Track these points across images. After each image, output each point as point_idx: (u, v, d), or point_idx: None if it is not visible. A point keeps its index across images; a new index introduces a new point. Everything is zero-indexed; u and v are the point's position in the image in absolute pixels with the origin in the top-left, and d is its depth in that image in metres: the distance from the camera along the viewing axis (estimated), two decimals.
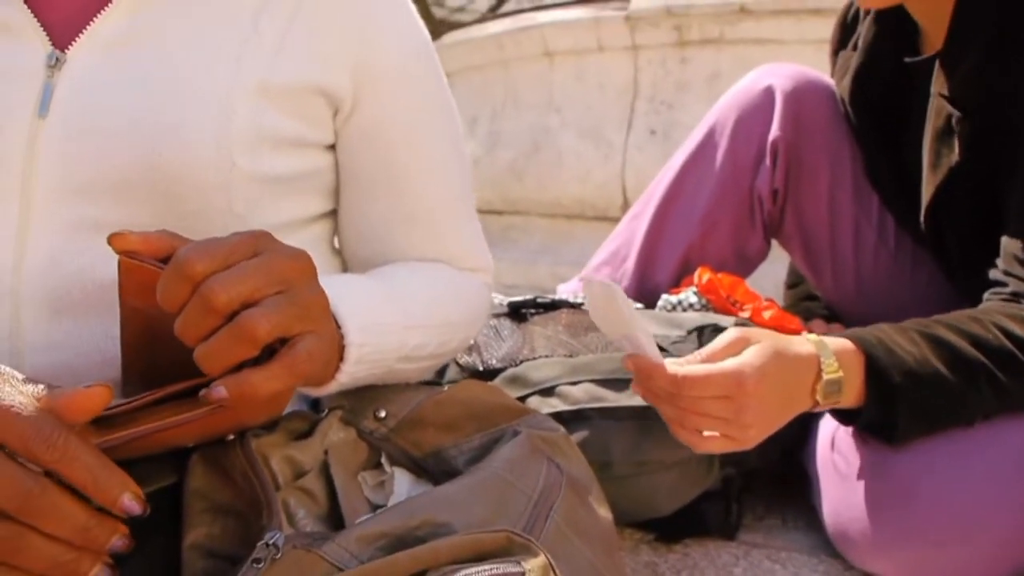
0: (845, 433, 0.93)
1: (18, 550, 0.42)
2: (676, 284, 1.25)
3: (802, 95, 1.22)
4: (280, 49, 0.68)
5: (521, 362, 0.91)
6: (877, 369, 0.80)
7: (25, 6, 0.65)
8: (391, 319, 0.62)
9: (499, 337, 0.98)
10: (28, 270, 0.61)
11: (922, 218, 1.08)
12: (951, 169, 1.00)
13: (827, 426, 0.97)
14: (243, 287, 0.47)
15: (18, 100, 0.63)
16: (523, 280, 2.29)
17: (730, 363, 0.73)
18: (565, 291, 1.29)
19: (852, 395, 0.80)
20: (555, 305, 1.04)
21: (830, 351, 0.78)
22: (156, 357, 0.52)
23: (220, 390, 0.46)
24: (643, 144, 2.22)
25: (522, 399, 0.87)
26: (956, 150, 0.99)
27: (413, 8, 0.78)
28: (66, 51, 0.64)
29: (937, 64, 1.04)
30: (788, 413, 0.78)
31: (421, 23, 0.78)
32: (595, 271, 1.33)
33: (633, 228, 1.31)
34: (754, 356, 0.74)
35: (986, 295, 0.94)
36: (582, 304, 1.06)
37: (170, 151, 0.62)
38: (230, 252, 0.48)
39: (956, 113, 0.98)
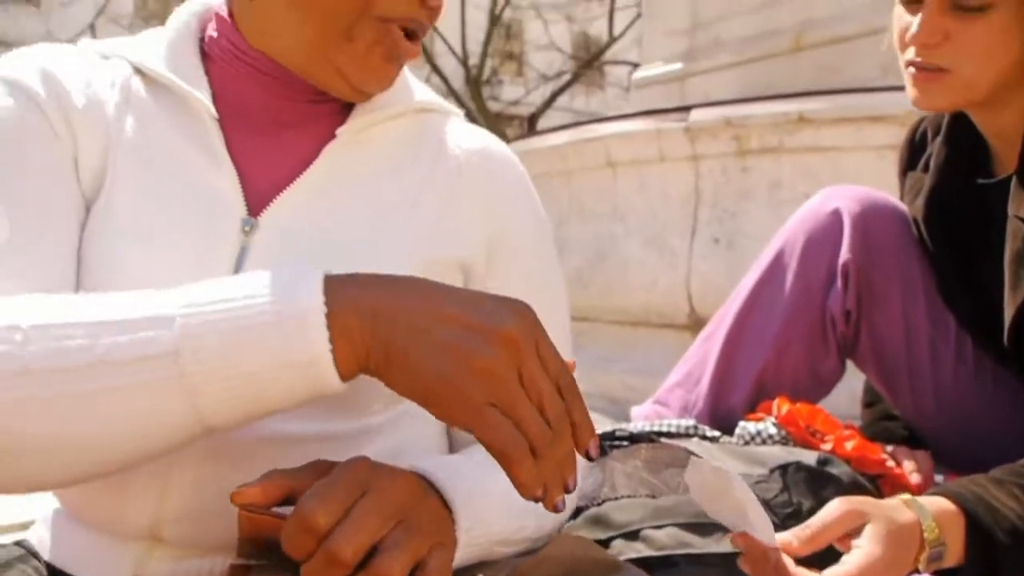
0: None
1: None
2: (751, 407, 1.24)
3: (870, 217, 1.23)
4: (437, 227, 0.74)
5: (603, 502, 0.91)
6: (979, 529, 0.78)
7: (233, 169, 0.71)
8: (495, 506, 0.64)
9: None
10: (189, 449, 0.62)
11: (1005, 339, 1.07)
12: None
13: None
14: (365, 536, 0.50)
15: (217, 262, 0.68)
16: (592, 388, 2.30)
17: (854, 562, 0.73)
18: (639, 416, 1.30)
19: (954, 557, 0.79)
20: (634, 438, 1.05)
21: (929, 514, 0.77)
22: None
23: None
24: (707, 252, 2.24)
25: (606, 542, 0.87)
26: None
27: (535, 192, 0.85)
28: (259, 217, 0.70)
29: (1013, 185, 1.05)
30: None
31: (541, 206, 0.85)
32: (668, 393, 1.33)
33: (706, 350, 1.31)
34: (872, 547, 0.74)
35: None
36: (660, 434, 1.06)
37: None
38: (346, 496, 0.51)
39: None
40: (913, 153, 1.27)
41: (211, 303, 0.54)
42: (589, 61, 15.22)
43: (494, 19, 13.35)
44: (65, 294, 0.60)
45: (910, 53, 1.05)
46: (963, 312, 1.21)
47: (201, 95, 0.71)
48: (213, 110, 0.71)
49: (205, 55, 0.75)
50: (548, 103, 14.07)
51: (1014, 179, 1.05)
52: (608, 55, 15.34)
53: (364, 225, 0.72)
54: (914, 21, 1.03)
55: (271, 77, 0.74)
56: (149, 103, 0.71)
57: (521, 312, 0.55)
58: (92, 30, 12.01)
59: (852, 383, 1.43)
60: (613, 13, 13.78)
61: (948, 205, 1.17)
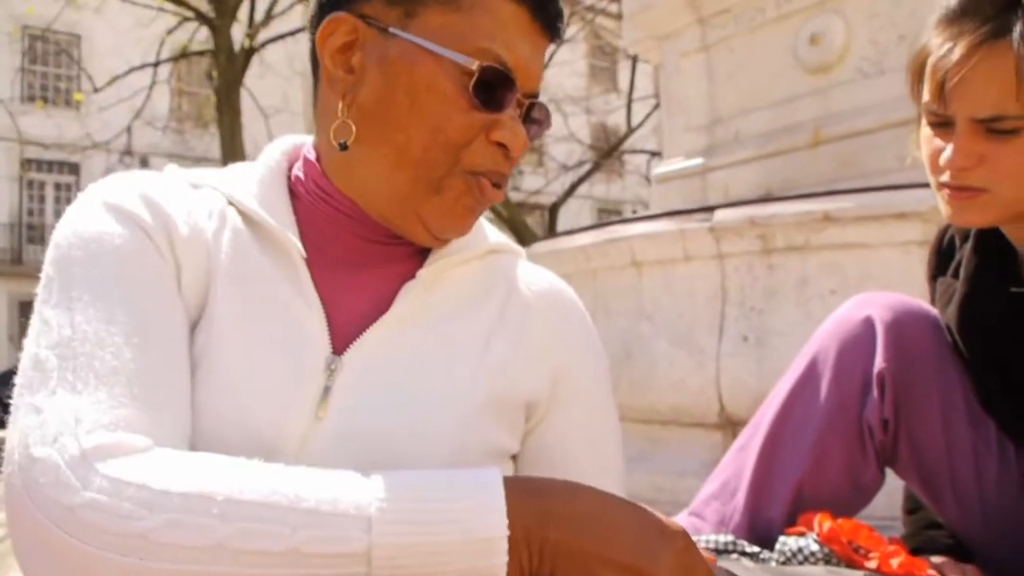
0: None
1: None
2: (791, 519, 1.21)
3: (903, 325, 1.23)
4: (505, 367, 0.77)
5: None
6: None
7: (321, 306, 0.73)
8: None
9: None
10: None
11: None
12: None
13: None
14: None
15: (299, 399, 0.70)
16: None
17: None
18: None
19: None
20: None
21: None
22: None
23: None
24: (736, 350, 2.23)
25: None
26: None
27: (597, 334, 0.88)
28: (342, 355, 0.72)
29: None
30: None
31: (602, 348, 0.89)
32: (704, 505, 1.31)
33: (741, 460, 1.29)
34: None
35: None
36: None
37: (414, 460, 0.68)
38: None
39: None
40: (941, 259, 1.27)
41: (404, 510, 0.58)
42: (608, 151, 15.49)
43: None
44: (242, 458, 0.62)
45: (944, 176, 1.05)
46: (1004, 418, 1.19)
47: (291, 235, 0.74)
48: (303, 250, 0.74)
49: (292, 192, 0.79)
50: (568, 192, 14.27)
51: None
52: (627, 144, 15.61)
53: (439, 364, 0.74)
54: (947, 147, 1.03)
55: (355, 220, 0.77)
56: (244, 234, 0.74)
57: (679, 548, 0.61)
58: (129, 133, 12.44)
59: (889, 486, 1.41)
60: (631, 104, 14.08)
61: (981, 313, 1.16)
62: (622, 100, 15.49)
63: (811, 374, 1.26)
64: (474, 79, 0.71)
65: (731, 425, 2.24)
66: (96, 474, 0.57)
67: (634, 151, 16.38)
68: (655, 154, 12.79)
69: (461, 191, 0.74)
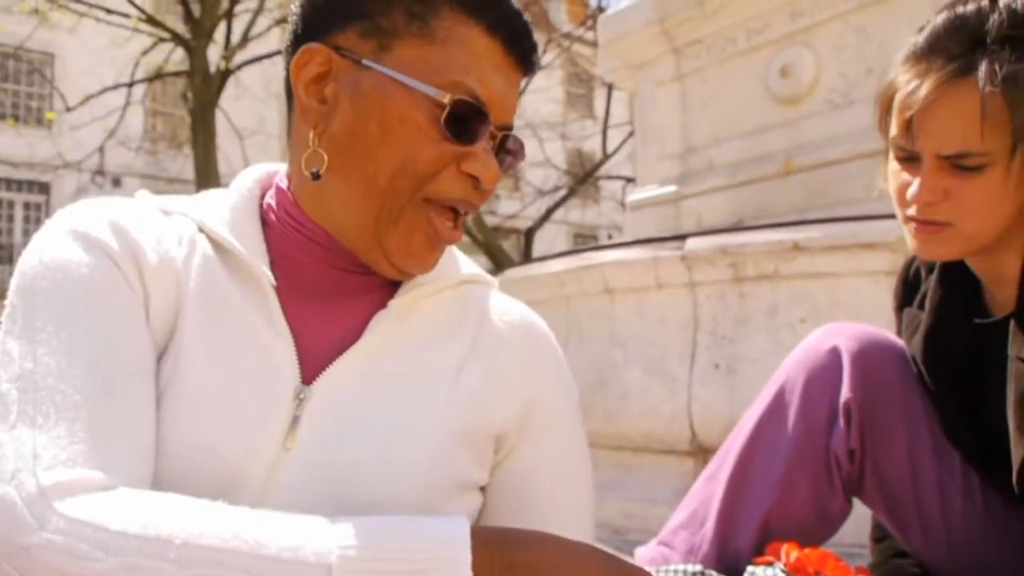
0: None
1: None
2: (759, 549, 1.22)
3: (869, 355, 1.24)
4: (477, 398, 0.77)
5: None
6: None
7: (290, 335, 0.73)
8: None
9: None
10: None
11: (1015, 480, 1.06)
12: None
13: None
14: None
15: (267, 428, 0.69)
16: None
17: None
18: (644, 559, 1.27)
19: None
20: None
21: None
22: None
23: None
24: (707, 377, 2.24)
25: None
26: None
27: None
28: (311, 385, 0.71)
29: (1012, 327, 1.06)
30: None
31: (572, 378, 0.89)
32: (673, 534, 1.31)
33: (710, 490, 1.30)
34: None
35: None
36: None
37: (384, 492, 0.68)
38: None
39: None
40: (907, 290, 1.29)
41: (365, 560, 0.57)
42: (584, 177, 15.59)
43: None
44: (205, 500, 0.61)
45: (911, 210, 1.07)
46: (968, 450, 1.21)
47: (262, 263, 0.74)
48: (273, 279, 0.73)
49: (264, 220, 0.79)
50: (544, 217, 14.34)
51: (1012, 321, 1.07)
52: (602, 171, 15.73)
53: (410, 395, 0.74)
54: (914, 181, 1.05)
55: (326, 249, 0.77)
56: (214, 262, 0.74)
57: None
58: (101, 152, 12.34)
59: (857, 513, 1.41)
60: (607, 131, 14.21)
61: (946, 344, 1.18)
62: (598, 126, 15.63)
63: (779, 404, 1.27)
64: (446, 112, 0.72)
65: (703, 452, 2.24)
66: (53, 513, 0.56)
67: (609, 177, 16.51)
68: (630, 180, 12.89)
69: (417, 222, 0.74)
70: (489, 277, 0.88)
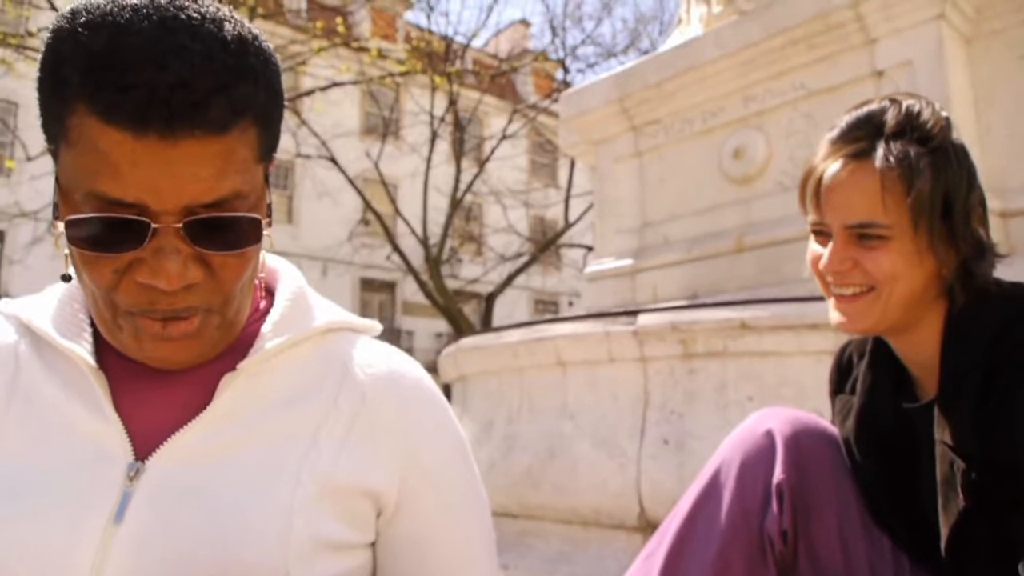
0: None
1: None
2: None
3: (800, 438, 1.28)
4: (337, 460, 0.75)
5: None
6: None
7: (116, 416, 0.72)
8: None
9: None
10: None
11: (944, 558, 1.10)
12: (961, 513, 1.04)
13: None
14: None
15: (96, 505, 0.68)
16: None
17: None
18: None
19: None
20: None
21: None
22: None
23: None
24: (657, 453, 2.26)
25: None
26: (961, 496, 1.03)
27: (451, 410, 0.86)
28: (146, 461, 0.71)
29: (936, 412, 1.10)
30: None
31: (458, 424, 0.86)
32: None
33: (647, 569, 1.31)
34: None
35: None
36: None
37: (232, 565, 0.67)
38: None
39: (958, 461, 1.03)
40: (841, 376, 1.34)
41: None
42: (546, 245, 15.76)
43: (455, 202, 13.86)
44: None
45: (830, 281, 1.16)
46: (896, 532, 1.24)
47: (80, 348, 0.73)
48: (92, 361, 0.73)
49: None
50: (506, 283, 14.42)
51: (936, 406, 1.12)
52: (564, 238, 15.91)
53: (257, 460, 0.72)
54: (824, 252, 1.15)
55: None
56: (36, 361, 0.74)
57: None
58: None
59: None
60: (569, 200, 14.44)
61: (876, 427, 1.23)
62: (561, 195, 15.89)
63: (715, 484, 1.29)
64: (87, 231, 0.66)
65: (651, 528, 2.25)
66: None
67: (571, 245, 16.70)
68: (591, 249, 13.05)
69: (130, 330, 0.70)
70: (359, 323, 0.84)
